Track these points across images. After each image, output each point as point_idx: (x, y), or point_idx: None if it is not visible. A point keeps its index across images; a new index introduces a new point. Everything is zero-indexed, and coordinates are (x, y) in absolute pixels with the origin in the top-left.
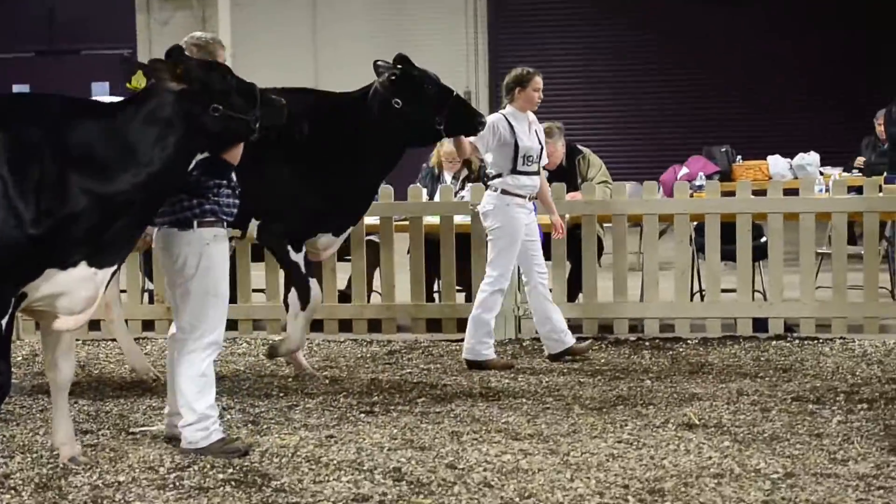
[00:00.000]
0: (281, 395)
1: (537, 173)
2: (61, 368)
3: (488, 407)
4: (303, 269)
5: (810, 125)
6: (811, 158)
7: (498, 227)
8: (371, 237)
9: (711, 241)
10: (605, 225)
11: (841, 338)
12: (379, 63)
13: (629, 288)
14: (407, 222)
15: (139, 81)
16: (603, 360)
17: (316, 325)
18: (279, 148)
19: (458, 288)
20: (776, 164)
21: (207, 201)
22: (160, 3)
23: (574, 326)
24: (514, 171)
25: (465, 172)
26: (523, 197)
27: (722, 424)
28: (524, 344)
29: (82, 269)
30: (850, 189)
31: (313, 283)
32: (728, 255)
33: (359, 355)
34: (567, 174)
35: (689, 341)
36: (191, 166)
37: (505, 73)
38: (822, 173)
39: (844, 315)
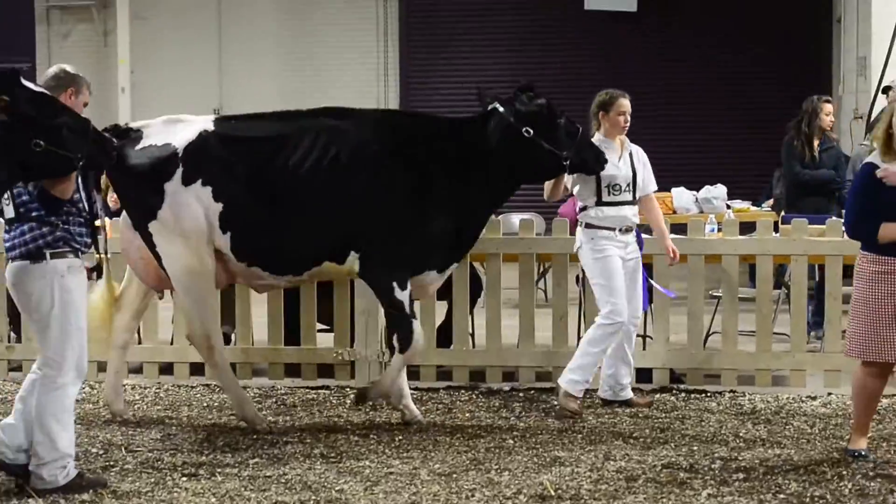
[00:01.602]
0: (100, 452)
1: (630, 202)
2: None
3: (326, 471)
4: (408, 309)
5: (718, 155)
6: (718, 191)
7: (588, 263)
8: None
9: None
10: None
11: (731, 391)
12: (482, 88)
13: (506, 334)
14: None
15: None
16: (468, 414)
17: (166, 369)
18: (387, 171)
19: (323, 328)
20: (680, 196)
21: (57, 229)
22: (61, 16)
23: (444, 374)
24: (598, 202)
25: None
26: (611, 229)
27: (580, 496)
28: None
29: None
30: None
31: (416, 324)
32: None
33: (205, 403)
34: None
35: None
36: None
37: (416, 89)
38: (729, 206)
39: (734, 367)
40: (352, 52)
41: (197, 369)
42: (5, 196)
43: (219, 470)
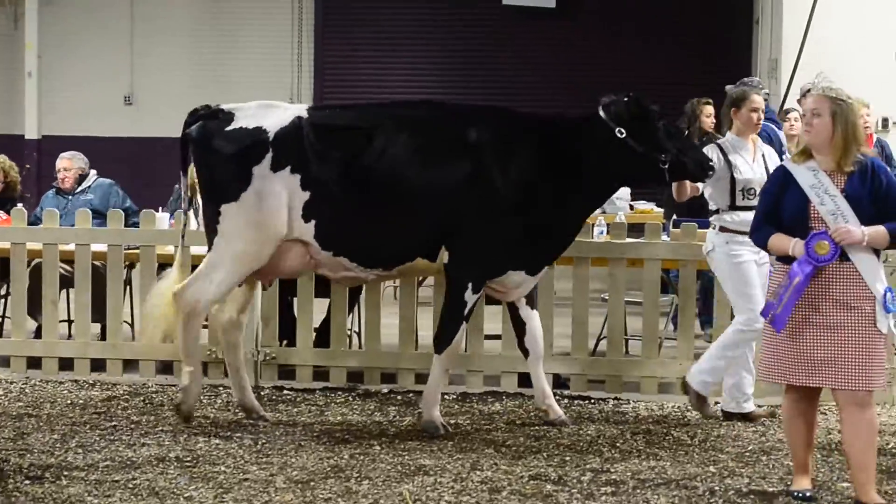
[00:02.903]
0: None
1: None
2: None
3: (178, 476)
4: (466, 312)
5: None
6: (621, 192)
7: (722, 268)
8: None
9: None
10: None
11: (615, 398)
12: (603, 97)
13: (386, 336)
14: (138, 251)
15: None
16: (340, 417)
17: (34, 363)
18: (483, 167)
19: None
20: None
21: None
22: None
23: (320, 373)
24: (732, 206)
25: None
26: (745, 233)
27: None
28: (263, 393)
29: None
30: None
31: (463, 330)
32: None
33: (70, 401)
34: None
35: (445, 396)
36: None
37: (331, 82)
38: (632, 207)
39: (618, 373)
40: (266, 42)
41: (66, 365)
42: None
43: (66, 473)
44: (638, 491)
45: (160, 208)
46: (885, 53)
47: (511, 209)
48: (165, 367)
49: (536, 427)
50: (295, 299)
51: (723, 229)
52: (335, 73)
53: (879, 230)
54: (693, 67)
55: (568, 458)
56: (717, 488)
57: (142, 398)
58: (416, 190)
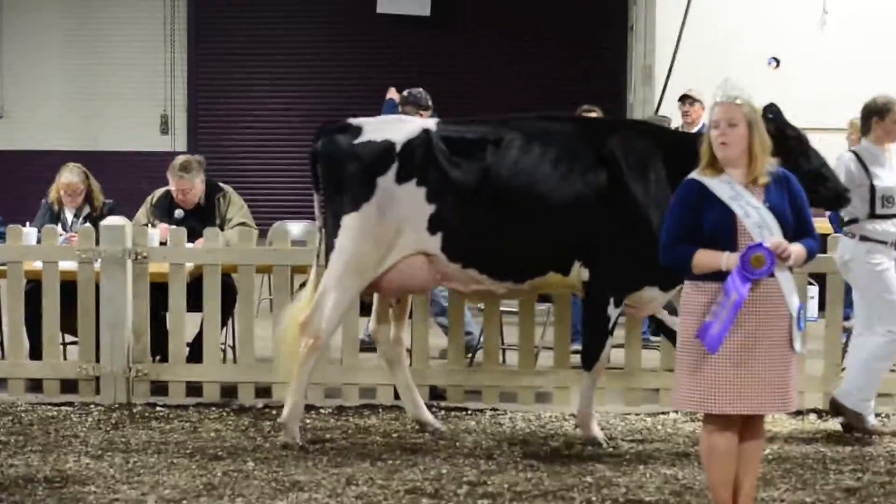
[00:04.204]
0: None
1: None
2: None
3: (48, 496)
4: (610, 327)
5: None
6: None
7: (862, 277)
8: None
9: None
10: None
11: (492, 409)
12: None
13: (260, 349)
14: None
15: None
16: (213, 434)
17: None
18: (616, 180)
19: (71, 340)
20: None
21: None
22: None
23: (194, 389)
24: (872, 215)
25: (87, 209)
26: (884, 243)
27: None
28: (135, 410)
29: None
30: None
31: (609, 345)
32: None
33: None
34: (207, 215)
35: (321, 410)
36: None
37: (205, 91)
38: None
39: (497, 384)
40: (138, 51)
41: None
42: None
43: None
44: (514, 503)
45: (27, 223)
46: (759, 59)
47: (649, 224)
48: (35, 386)
49: (413, 439)
50: (167, 314)
51: (863, 238)
52: (209, 81)
53: (799, 247)
54: (568, 73)
55: (444, 472)
56: (593, 498)
57: (10, 417)
58: (547, 203)
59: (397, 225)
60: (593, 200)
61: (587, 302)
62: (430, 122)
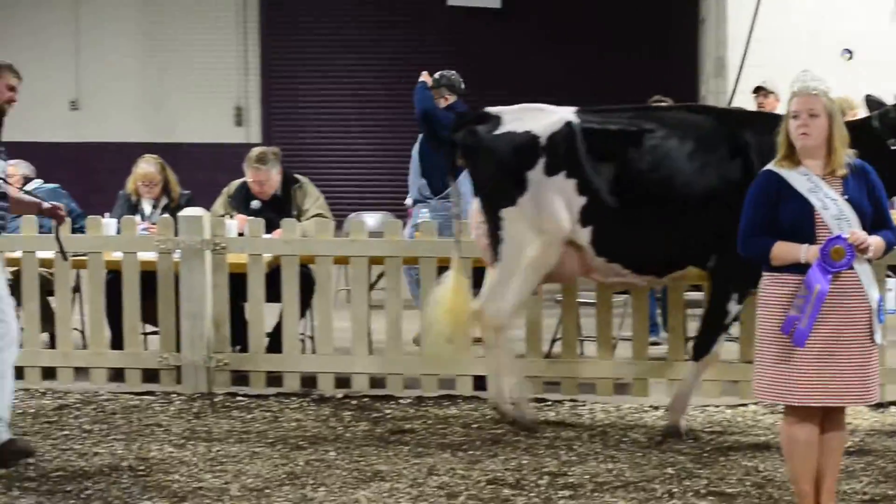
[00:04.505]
0: None
1: None
2: None
3: (133, 484)
4: (727, 322)
5: None
6: None
7: None
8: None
9: (427, 287)
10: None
11: (571, 400)
12: (871, 97)
13: (338, 340)
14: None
15: None
16: (294, 424)
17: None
18: (752, 172)
19: (151, 330)
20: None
21: None
22: None
23: (274, 379)
24: None
25: (164, 200)
26: None
27: None
28: (216, 399)
29: None
30: None
31: (723, 339)
32: None
33: (20, 410)
34: (283, 207)
35: (400, 401)
36: None
37: (278, 87)
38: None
39: (575, 374)
40: (211, 45)
41: (16, 374)
42: None
43: (17, 483)
44: (596, 494)
45: (106, 214)
46: (832, 50)
47: None
48: (116, 375)
49: (493, 430)
50: (246, 304)
51: None
52: (282, 73)
53: (878, 239)
54: (640, 67)
55: (525, 462)
56: (675, 490)
57: (94, 406)
58: (691, 195)
59: (556, 216)
60: (731, 192)
61: (711, 295)
62: (569, 113)
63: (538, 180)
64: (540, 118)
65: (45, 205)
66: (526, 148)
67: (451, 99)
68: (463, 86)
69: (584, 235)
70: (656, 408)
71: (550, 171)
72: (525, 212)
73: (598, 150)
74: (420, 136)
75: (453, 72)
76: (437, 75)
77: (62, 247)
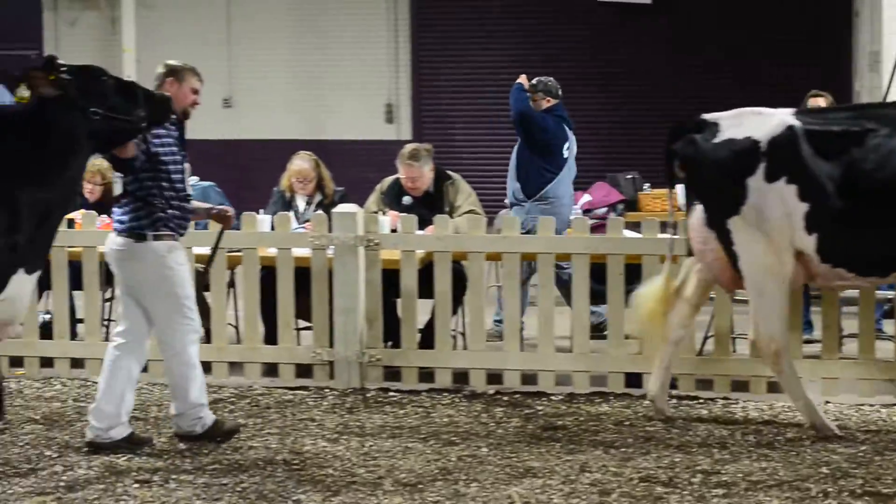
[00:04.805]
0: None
1: None
2: None
3: (287, 478)
4: None
5: None
6: None
7: None
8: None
9: (579, 284)
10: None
11: (723, 398)
12: None
13: (490, 336)
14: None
15: (24, 92)
16: (446, 419)
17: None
18: None
19: (304, 326)
20: (685, 193)
21: (157, 210)
22: (68, 3)
23: (425, 374)
24: None
25: (318, 197)
26: None
27: None
28: (368, 395)
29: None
30: None
31: None
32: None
33: None
34: (435, 203)
35: (552, 397)
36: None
37: (429, 84)
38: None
39: (728, 373)
40: (362, 42)
41: (76, 363)
42: (116, 175)
43: (174, 476)
44: (750, 493)
45: (260, 210)
46: None
47: None
48: (269, 370)
49: (645, 427)
50: (398, 301)
51: None
52: (433, 70)
53: None
54: (792, 62)
55: (678, 460)
56: (830, 490)
57: (248, 400)
58: None
59: (780, 224)
60: None
61: None
62: (788, 115)
63: (759, 187)
64: (759, 123)
65: (216, 209)
66: (746, 154)
67: (552, 102)
68: (560, 91)
69: (810, 243)
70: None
71: (770, 177)
72: (749, 221)
73: (822, 152)
74: (518, 139)
75: (550, 78)
76: (534, 80)
77: (215, 252)
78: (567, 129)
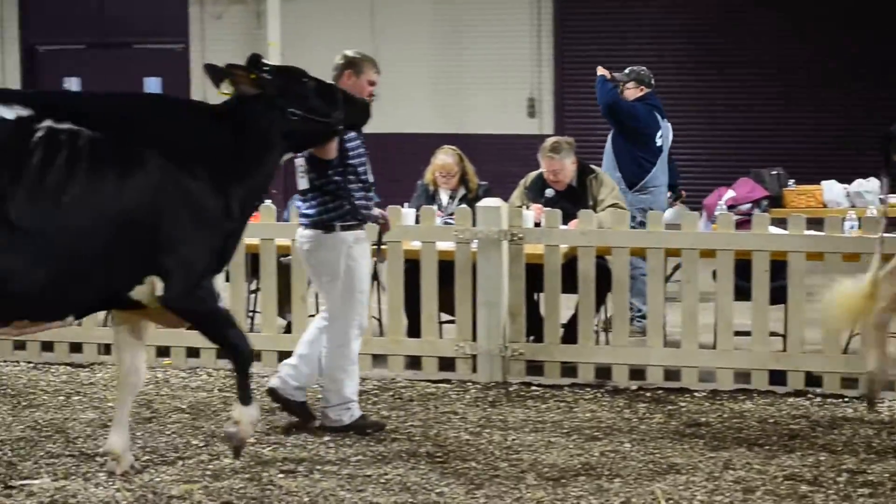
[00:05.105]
0: (201, 444)
1: None
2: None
3: (430, 471)
4: None
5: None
6: (870, 185)
7: None
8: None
9: (723, 280)
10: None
11: None
12: None
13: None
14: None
15: (228, 87)
16: (589, 414)
17: (285, 357)
18: None
19: (447, 319)
20: (831, 189)
21: (346, 202)
22: None
23: (568, 369)
24: None
25: (462, 191)
26: None
27: None
28: (510, 389)
29: None
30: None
31: None
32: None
33: (318, 395)
34: (578, 197)
35: (695, 394)
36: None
37: (571, 78)
38: (882, 201)
39: None
40: (504, 35)
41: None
42: (300, 168)
43: (318, 467)
44: None
45: (405, 204)
46: None
47: None
48: (413, 363)
49: (789, 425)
50: (541, 295)
51: None
52: (575, 64)
53: None
54: None
55: (823, 459)
56: None
57: (391, 393)
58: None
59: None
60: None
61: None
62: None
63: None
64: None
65: (376, 212)
66: None
67: (644, 91)
68: (652, 80)
69: None
70: None
71: None
72: None
73: None
74: (611, 130)
75: (643, 67)
76: (627, 70)
77: (380, 248)
78: (660, 117)
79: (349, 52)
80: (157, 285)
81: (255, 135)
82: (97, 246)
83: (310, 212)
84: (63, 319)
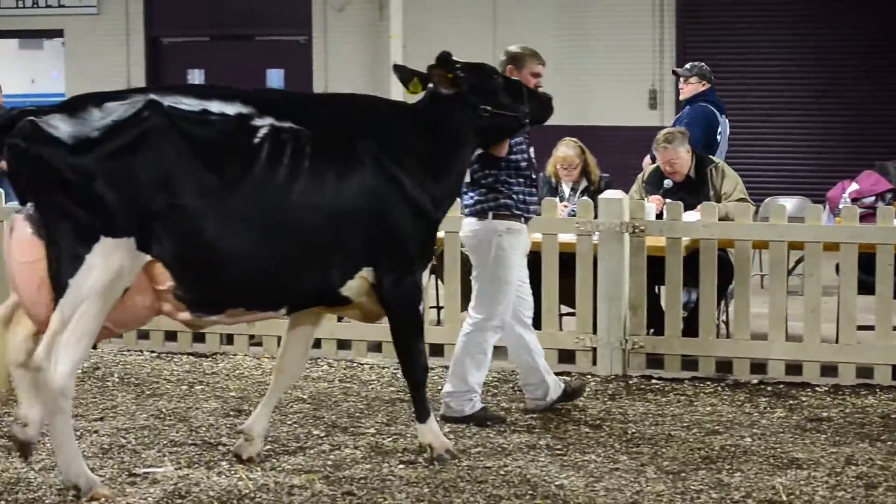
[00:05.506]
0: (322, 434)
1: None
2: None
3: (550, 463)
4: None
5: None
6: None
7: None
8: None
9: (847, 274)
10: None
11: None
12: None
13: (755, 325)
14: None
15: (416, 87)
16: (709, 408)
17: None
18: None
19: (567, 311)
20: None
21: (503, 195)
22: None
23: (689, 363)
24: None
25: (584, 183)
26: None
27: (813, 503)
28: (631, 382)
29: None
30: None
31: None
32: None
33: (439, 387)
34: (697, 188)
35: (816, 388)
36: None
37: None
38: None
39: None
40: (626, 28)
41: (436, 350)
42: None
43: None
44: None
45: None
46: None
47: None
48: None
49: None
50: (662, 288)
51: None
52: (698, 56)
53: None
54: None
55: None
56: None
57: (511, 385)
58: None
59: None
60: None
61: None
62: None
63: None
64: None
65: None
66: None
67: (706, 86)
68: (713, 76)
69: None
70: None
71: None
72: None
73: None
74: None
75: (702, 63)
76: (688, 65)
77: None
78: (718, 113)
79: (511, 48)
80: (370, 277)
81: (450, 131)
82: (318, 239)
83: (469, 202)
84: (277, 311)
